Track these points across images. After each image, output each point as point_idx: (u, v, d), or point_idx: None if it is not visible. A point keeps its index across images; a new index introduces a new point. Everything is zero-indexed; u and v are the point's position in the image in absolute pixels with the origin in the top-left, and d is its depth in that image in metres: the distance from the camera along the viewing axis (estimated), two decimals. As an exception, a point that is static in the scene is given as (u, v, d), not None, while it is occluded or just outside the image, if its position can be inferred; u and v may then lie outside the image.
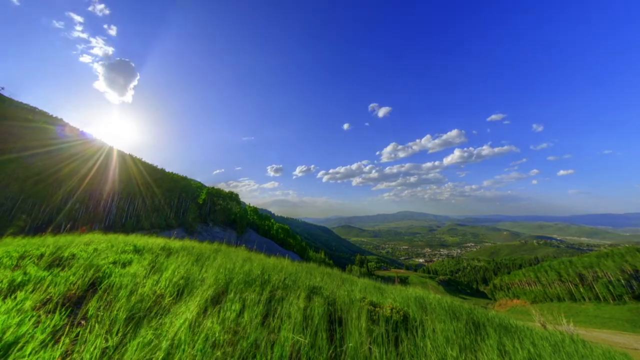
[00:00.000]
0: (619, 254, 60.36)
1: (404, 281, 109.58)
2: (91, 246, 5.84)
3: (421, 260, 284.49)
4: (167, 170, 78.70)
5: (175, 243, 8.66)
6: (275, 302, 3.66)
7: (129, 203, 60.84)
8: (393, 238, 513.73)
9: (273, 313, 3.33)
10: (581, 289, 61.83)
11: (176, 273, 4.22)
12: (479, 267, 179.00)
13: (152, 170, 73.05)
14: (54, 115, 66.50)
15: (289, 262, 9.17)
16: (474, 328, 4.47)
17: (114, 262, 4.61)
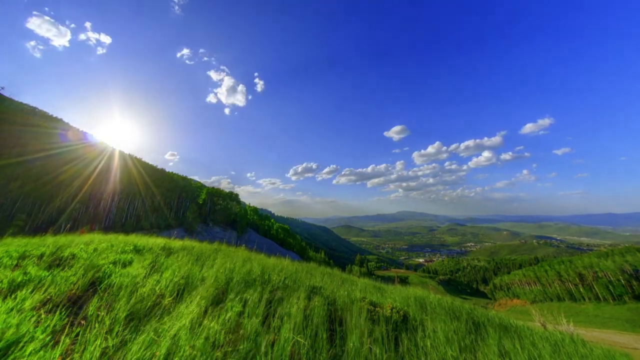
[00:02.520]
0: (619, 254, 60.33)
1: (404, 281, 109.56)
2: (91, 246, 5.84)
3: (421, 260, 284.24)
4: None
5: (176, 243, 8.67)
6: (275, 302, 3.66)
7: (128, 203, 60.84)
8: (393, 238, 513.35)
9: (273, 313, 3.33)
10: (581, 289, 61.81)
11: (176, 273, 4.22)
12: (479, 267, 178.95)
13: (152, 170, 73.09)
14: (55, 116, 66.51)
15: (289, 262, 9.17)
16: (474, 328, 4.47)
17: (114, 262, 4.61)
